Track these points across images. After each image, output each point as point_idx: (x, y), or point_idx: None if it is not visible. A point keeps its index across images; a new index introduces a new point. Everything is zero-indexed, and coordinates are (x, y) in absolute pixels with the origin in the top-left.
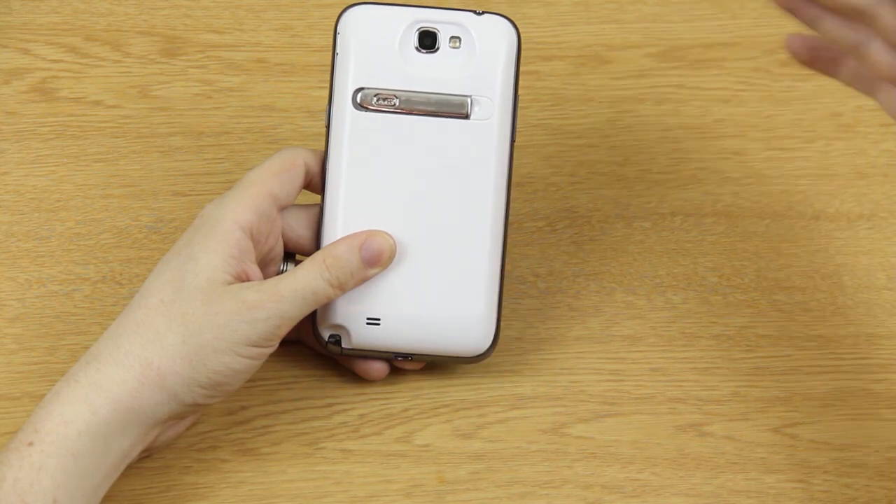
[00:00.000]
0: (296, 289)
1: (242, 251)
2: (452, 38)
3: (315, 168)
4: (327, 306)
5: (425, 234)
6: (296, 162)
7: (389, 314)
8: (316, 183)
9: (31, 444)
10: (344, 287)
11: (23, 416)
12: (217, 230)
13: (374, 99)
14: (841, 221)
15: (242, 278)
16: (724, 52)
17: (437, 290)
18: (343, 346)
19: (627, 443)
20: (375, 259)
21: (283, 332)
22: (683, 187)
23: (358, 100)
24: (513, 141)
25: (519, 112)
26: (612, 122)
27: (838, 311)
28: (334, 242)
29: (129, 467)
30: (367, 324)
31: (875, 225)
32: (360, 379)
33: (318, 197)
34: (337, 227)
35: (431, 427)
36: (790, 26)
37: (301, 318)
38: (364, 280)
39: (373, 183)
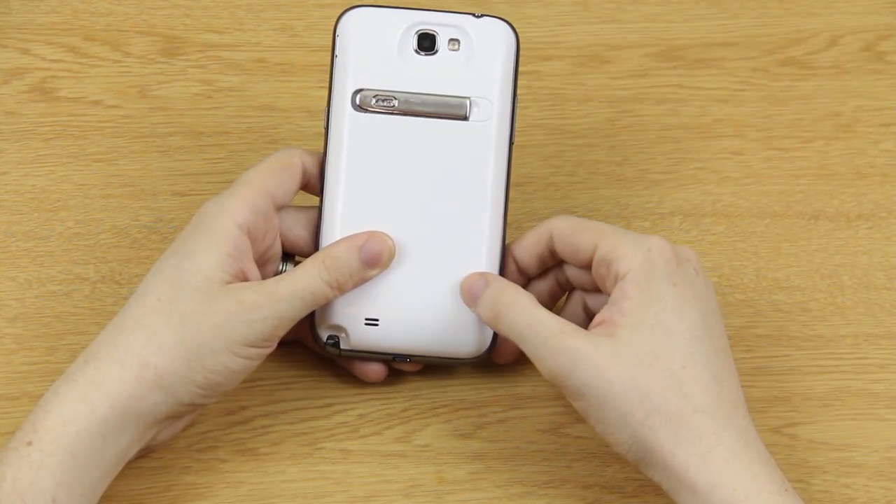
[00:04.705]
0: (294, 290)
1: (240, 249)
2: (451, 40)
3: (312, 168)
4: (326, 307)
5: (424, 235)
6: (293, 161)
7: (388, 315)
8: (313, 184)
9: (29, 443)
10: (343, 288)
11: (22, 416)
12: (214, 228)
13: (374, 100)
14: (840, 221)
15: (240, 277)
16: (723, 52)
17: (436, 291)
18: (342, 346)
19: None
20: (375, 260)
21: (281, 332)
22: (683, 187)
23: (357, 101)
24: (511, 142)
25: (518, 112)
26: (611, 121)
27: (837, 310)
28: (334, 243)
29: (129, 467)
30: (366, 324)
31: (874, 225)
32: (359, 379)
33: (316, 199)
34: (335, 227)
35: (431, 427)
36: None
37: (299, 318)
38: (363, 281)
39: (372, 184)
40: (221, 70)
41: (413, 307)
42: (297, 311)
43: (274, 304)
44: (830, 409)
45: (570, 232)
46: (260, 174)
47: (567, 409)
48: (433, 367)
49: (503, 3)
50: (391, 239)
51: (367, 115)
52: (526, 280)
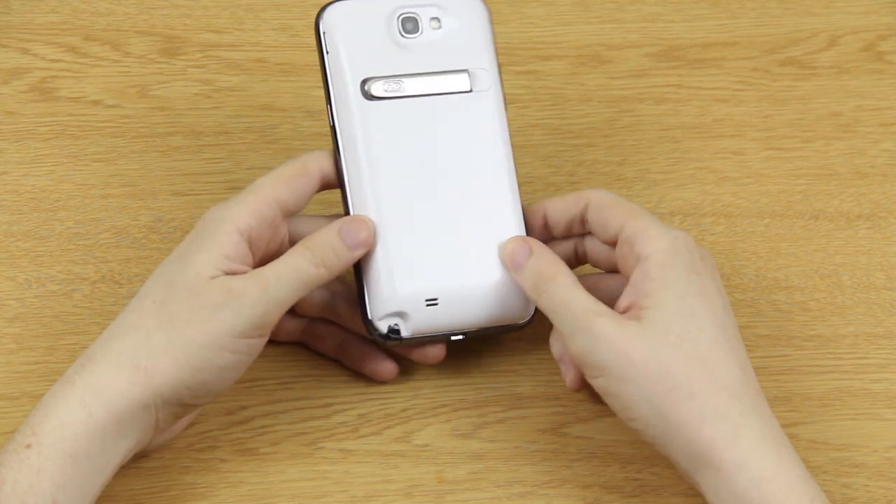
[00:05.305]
0: (279, 273)
1: (238, 254)
2: (432, 19)
3: (332, 171)
4: (381, 296)
5: (455, 208)
6: (309, 168)
7: (445, 292)
8: (334, 183)
9: (28, 446)
10: (330, 267)
11: (22, 415)
12: (215, 232)
13: (383, 87)
14: (840, 221)
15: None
16: (722, 52)
17: (480, 260)
18: (402, 334)
19: (627, 442)
20: (355, 240)
21: (271, 319)
22: (682, 187)
23: (366, 90)
24: (506, 107)
25: (518, 112)
26: (611, 121)
27: (837, 310)
28: (316, 231)
29: (129, 467)
30: (427, 305)
31: (874, 224)
32: (359, 379)
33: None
34: (369, 216)
35: (430, 427)
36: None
37: (288, 304)
38: (351, 261)
39: (395, 169)
40: (221, 70)
41: (465, 281)
42: (285, 295)
43: (261, 289)
44: (830, 409)
45: (605, 206)
46: (272, 182)
47: (567, 408)
48: (433, 366)
49: (503, 3)
50: (370, 220)
51: (378, 102)
52: (549, 238)
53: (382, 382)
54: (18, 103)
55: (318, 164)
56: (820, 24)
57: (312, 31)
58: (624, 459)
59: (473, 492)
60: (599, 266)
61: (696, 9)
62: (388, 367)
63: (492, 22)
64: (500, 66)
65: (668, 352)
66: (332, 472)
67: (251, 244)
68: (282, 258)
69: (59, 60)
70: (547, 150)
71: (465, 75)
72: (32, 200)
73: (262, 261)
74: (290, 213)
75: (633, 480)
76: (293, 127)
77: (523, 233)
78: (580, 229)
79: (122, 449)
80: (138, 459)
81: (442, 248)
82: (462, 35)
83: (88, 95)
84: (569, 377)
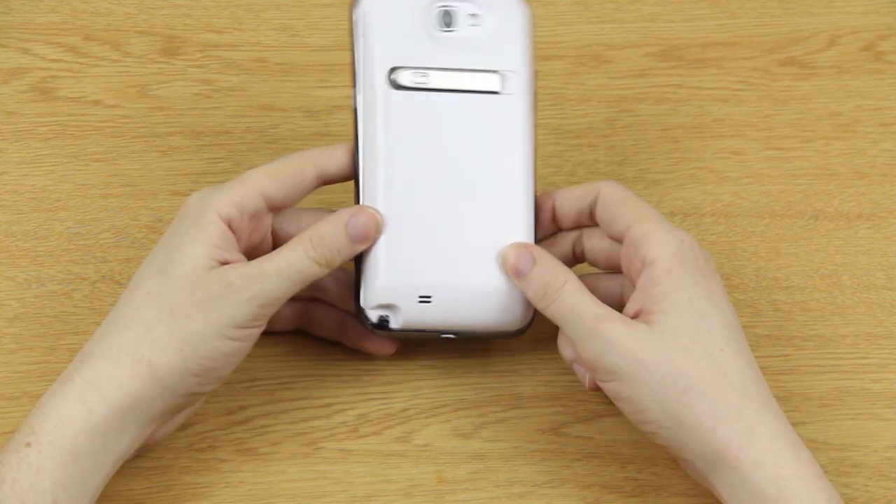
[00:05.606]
0: (280, 268)
1: (227, 241)
2: (470, 15)
3: (331, 170)
4: (375, 286)
5: (466, 209)
6: (304, 168)
7: (440, 291)
8: (334, 180)
9: (28, 444)
10: (331, 264)
11: (22, 415)
12: (201, 221)
13: (410, 78)
14: (840, 221)
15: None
16: (722, 52)
17: (483, 264)
18: (391, 326)
19: (627, 442)
20: (362, 235)
21: (269, 311)
22: (682, 187)
23: (393, 79)
24: (535, 113)
25: None
26: (611, 121)
27: (837, 310)
28: (320, 221)
29: (129, 467)
30: (420, 302)
31: (874, 224)
32: (359, 379)
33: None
34: (377, 206)
35: (431, 427)
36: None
37: (287, 297)
38: (352, 255)
39: (411, 162)
40: (221, 70)
41: (463, 282)
42: (283, 290)
43: (259, 284)
44: (830, 409)
45: (615, 202)
46: (261, 175)
47: (567, 408)
48: (433, 365)
49: None
50: (378, 213)
51: (403, 92)
52: (556, 231)
53: (378, 382)
54: (18, 103)
55: (315, 163)
56: (820, 24)
57: (313, 31)
58: (624, 459)
59: (473, 492)
60: (597, 265)
61: (696, 9)
62: (386, 343)
63: (533, 25)
64: (536, 71)
65: (679, 354)
66: (332, 472)
67: (234, 233)
68: (283, 251)
69: (59, 60)
70: (547, 150)
71: (495, 76)
72: (32, 200)
73: (245, 251)
74: (278, 209)
75: (633, 480)
76: (293, 127)
77: (532, 241)
78: (589, 221)
79: (122, 445)
80: (137, 459)
81: (444, 247)
82: (499, 35)
83: (88, 95)
84: (587, 379)
